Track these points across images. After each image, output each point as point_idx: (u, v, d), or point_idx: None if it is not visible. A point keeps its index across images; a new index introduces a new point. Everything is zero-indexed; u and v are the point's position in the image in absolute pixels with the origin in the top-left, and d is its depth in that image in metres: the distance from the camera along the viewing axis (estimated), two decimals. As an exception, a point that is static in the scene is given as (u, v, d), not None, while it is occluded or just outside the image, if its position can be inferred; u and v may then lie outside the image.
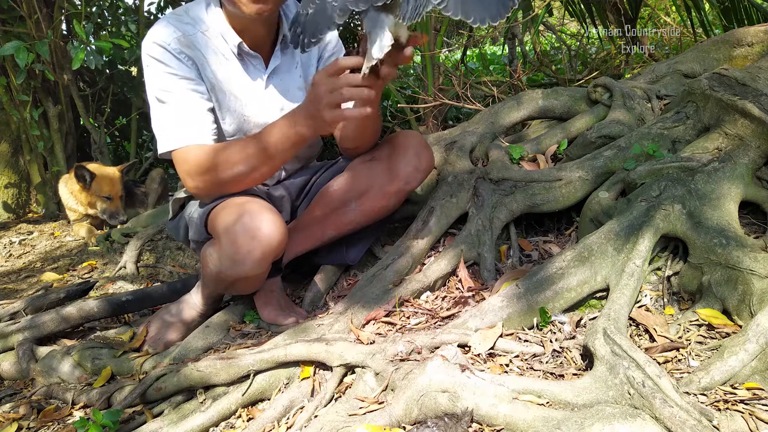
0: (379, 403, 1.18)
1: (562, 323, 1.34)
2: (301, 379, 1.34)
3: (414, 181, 1.69)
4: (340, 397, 1.28)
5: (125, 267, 2.49)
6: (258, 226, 1.44)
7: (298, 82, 1.73)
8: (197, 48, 1.57)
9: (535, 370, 1.23)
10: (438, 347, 1.28)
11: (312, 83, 1.35)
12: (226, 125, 1.65)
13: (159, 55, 1.53)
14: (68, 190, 3.30)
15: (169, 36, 1.54)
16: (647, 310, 1.35)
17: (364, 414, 1.17)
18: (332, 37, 1.78)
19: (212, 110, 1.60)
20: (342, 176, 1.72)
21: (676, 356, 1.20)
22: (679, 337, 1.24)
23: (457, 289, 1.58)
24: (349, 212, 1.71)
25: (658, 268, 1.42)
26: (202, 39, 1.58)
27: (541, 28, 4.27)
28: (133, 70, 4.05)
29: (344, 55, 1.61)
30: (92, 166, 3.24)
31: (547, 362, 1.25)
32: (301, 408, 1.29)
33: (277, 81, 1.69)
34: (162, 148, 1.56)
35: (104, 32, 3.65)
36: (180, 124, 1.53)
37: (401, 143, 1.69)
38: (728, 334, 1.21)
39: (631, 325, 1.30)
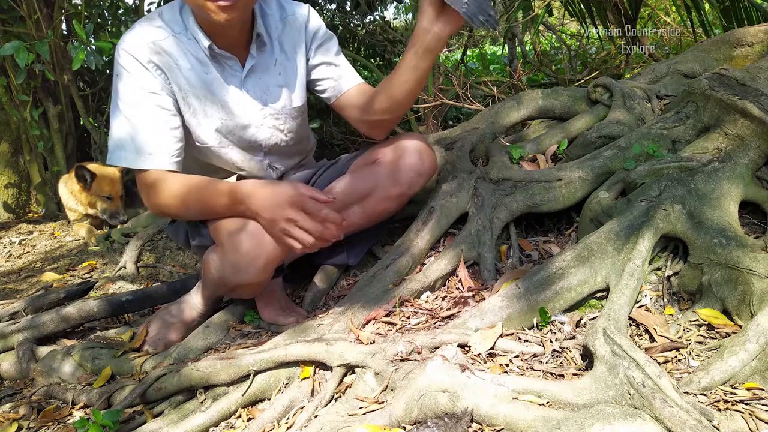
0: (379, 403, 1.18)
1: (562, 323, 1.34)
2: (301, 379, 1.34)
3: (417, 185, 1.68)
4: (340, 397, 1.28)
5: (125, 267, 2.49)
6: (262, 233, 1.42)
7: (278, 80, 1.66)
8: (169, 54, 1.52)
9: (535, 370, 1.22)
10: (438, 347, 1.27)
11: (289, 192, 1.38)
12: (203, 131, 1.60)
13: (128, 65, 1.49)
14: (68, 190, 3.30)
15: (139, 43, 1.49)
16: (647, 310, 1.35)
17: (364, 414, 1.17)
18: (319, 25, 1.70)
19: (178, 127, 1.55)
20: (344, 179, 1.71)
21: (676, 356, 1.19)
22: (679, 337, 1.24)
23: (457, 289, 1.58)
24: (351, 215, 1.69)
25: (658, 268, 1.42)
26: (175, 42, 1.53)
27: (541, 28, 4.27)
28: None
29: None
30: (92, 166, 3.24)
31: (547, 362, 1.25)
32: (301, 408, 1.29)
33: (256, 80, 1.63)
34: (116, 161, 1.52)
35: (104, 32, 3.65)
36: (142, 145, 1.50)
37: (404, 146, 1.68)
38: (728, 334, 1.21)
39: (631, 325, 1.30)
